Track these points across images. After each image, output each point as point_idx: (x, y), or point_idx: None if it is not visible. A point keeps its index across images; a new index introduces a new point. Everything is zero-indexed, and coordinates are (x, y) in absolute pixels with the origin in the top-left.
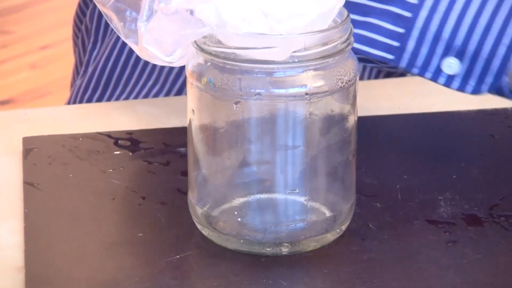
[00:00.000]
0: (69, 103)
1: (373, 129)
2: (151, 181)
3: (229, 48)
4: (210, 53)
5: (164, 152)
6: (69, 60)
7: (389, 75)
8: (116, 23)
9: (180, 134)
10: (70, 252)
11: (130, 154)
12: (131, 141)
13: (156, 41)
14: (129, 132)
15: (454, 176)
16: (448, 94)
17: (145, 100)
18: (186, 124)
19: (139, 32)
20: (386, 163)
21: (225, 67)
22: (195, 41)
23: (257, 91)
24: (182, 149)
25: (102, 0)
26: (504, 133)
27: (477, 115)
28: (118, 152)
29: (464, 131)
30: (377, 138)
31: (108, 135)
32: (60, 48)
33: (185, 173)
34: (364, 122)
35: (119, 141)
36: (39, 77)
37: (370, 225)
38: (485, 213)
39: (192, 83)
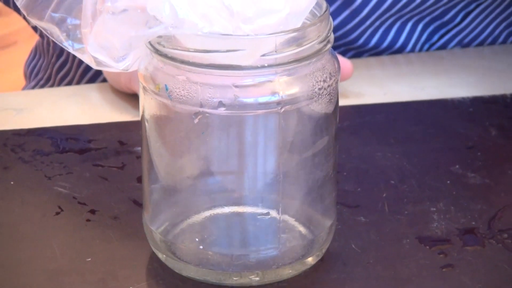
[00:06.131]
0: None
1: (355, 122)
2: (103, 189)
3: (188, 50)
4: (165, 56)
5: (119, 153)
6: None
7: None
8: (58, 35)
9: (138, 130)
10: (7, 283)
11: (80, 155)
12: (82, 139)
13: (103, 47)
14: (80, 128)
15: (448, 182)
16: (439, 75)
17: (98, 84)
18: None
19: (84, 39)
20: (370, 165)
21: (183, 73)
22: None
23: (221, 100)
24: (139, 149)
25: (37, 15)
26: (504, 125)
27: (472, 103)
28: (66, 153)
29: (458, 124)
30: (360, 134)
31: (56, 130)
32: None
33: (141, 180)
34: (344, 114)
35: (68, 139)
36: (2, 26)
37: (353, 246)
38: (484, 228)
39: (145, 87)
